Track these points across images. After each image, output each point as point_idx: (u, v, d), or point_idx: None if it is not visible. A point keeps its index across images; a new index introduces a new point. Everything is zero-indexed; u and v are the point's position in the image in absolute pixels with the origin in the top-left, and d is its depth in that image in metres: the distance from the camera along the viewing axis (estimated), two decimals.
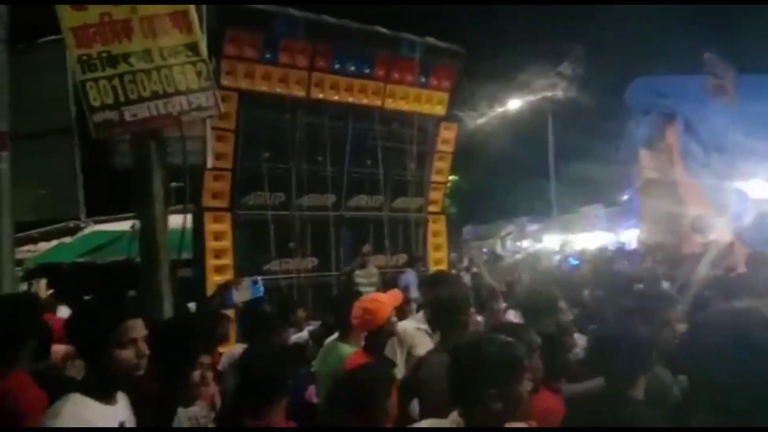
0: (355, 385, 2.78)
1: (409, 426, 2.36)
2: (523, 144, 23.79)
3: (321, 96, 7.46)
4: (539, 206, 24.89)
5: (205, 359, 2.91)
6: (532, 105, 20.65)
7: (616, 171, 14.49)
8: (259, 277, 4.02)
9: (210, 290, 6.61)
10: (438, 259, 8.80)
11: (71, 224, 12.14)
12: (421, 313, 3.93)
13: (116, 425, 2.07)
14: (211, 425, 2.77)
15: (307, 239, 7.62)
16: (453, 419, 2.03)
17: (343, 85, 7.64)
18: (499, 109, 20.39)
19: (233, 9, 6.64)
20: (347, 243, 8.04)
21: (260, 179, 7.17)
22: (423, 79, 8.27)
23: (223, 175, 6.90)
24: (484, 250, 23.67)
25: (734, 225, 7.97)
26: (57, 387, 2.32)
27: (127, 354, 2.10)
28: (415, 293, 7.04)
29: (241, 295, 3.77)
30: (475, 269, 13.63)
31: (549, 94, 19.29)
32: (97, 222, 12.46)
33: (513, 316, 4.47)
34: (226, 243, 6.89)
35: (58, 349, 3.42)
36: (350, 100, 7.71)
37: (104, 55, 3.22)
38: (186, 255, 6.77)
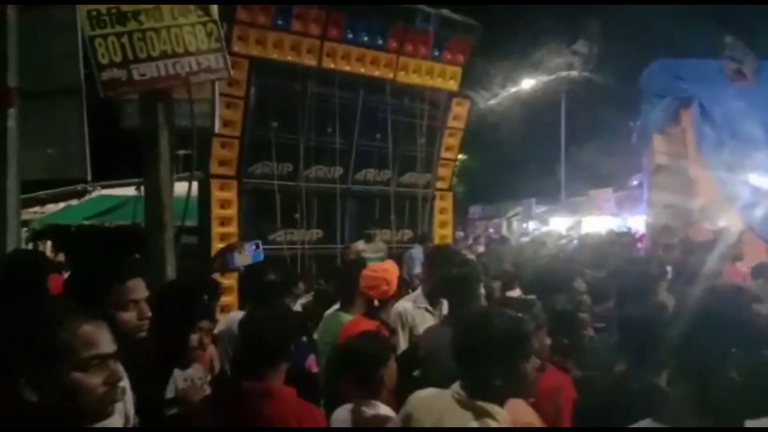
0: (351, 354, 2.78)
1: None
2: (534, 125, 23.56)
3: (332, 66, 7.37)
4: (548, 188, 24.74)
5: (205, 324, 2.91)
6: (545, 85, 20.41)
7: (627, 155, 14.35)
8: (259, 242, 3.99)
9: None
10: (443, 235, 8.76)
11: (79, 187, 12.17)
12: (418, 291, 3.88)
13: None
14: (206, 387, 2.76)
15: (313, 211, 7.59)
16: (454, 390, 2.00)
17: (355, 56, 7.53)
18: (512, 89, 20.16)
19: None
20: (353, 216, 8.02)
21: (268, 148, 7.12)
22: (436, 53, 8.15)
23: (231, 143, 6.84)
24: (491, 230, 23.66)
25: (746, 215, 7.88)
26: None
27: (129, 315, 2.05)
28: (418, 269, 7.04)
29: (243, 258, 3.76)
30: (480, 248, 13.63)
31: (563, 74, 19.03)
32: (104, 186, 12.49)
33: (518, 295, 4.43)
34: (232, 211, 6.86)
35: None
36: (362, 71, 7.61)
37: (114, 11, 3.16)
38: (190, 222, 6.81)
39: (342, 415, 2.60)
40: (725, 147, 8.47)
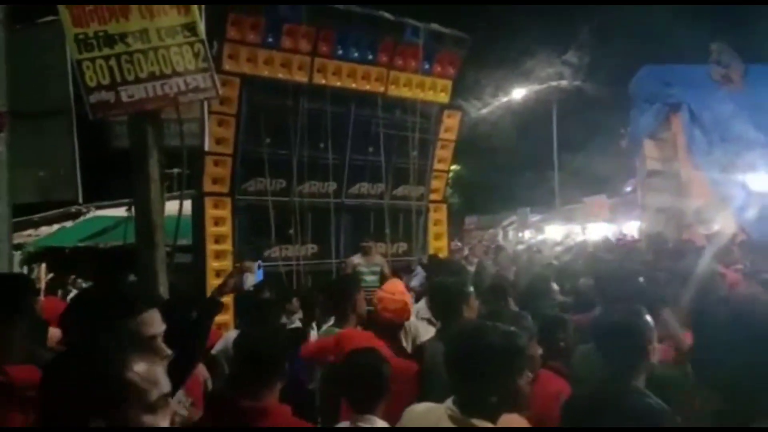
0: (349, 371, 2.78)
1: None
2: (527, 134, 23.70)
3: (323, 81, 7.40)
4: (542, 197, 24.81)
5: None
6: (536, 95, 20.55)
7: (619, 162, 14.44)
8: (260, 261, 3.99)
9: (209, 276, 6.63)
10: (438, 247, 8.77)
11: (73, 209, 12.18)
12: (421, 303, 3.91)
13: None
14: (192, 409, 2.73)
15: (307, 226, 7.58)
16: (447, 406, 1.99)
17: (346, 71, 7.57)
18: (504, 99, 20.29)
19: None
20: (348, 231, 8.02)
21: (261, 165, 7.13)
22: (426, 66, 8.20)
23: (224, 161, 6.86)
24: (485, 241, 23.66)
25: (738, 217, 7.92)
26: None
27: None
28: (415, 282, 7.05)
29: (251, 279, 3.75)
30: (476, 259, 13.63)
31: (554, 83, 19.17)
32: (98, 207, 12.49)
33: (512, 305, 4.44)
34: (226, 228, 6.86)
35: (54, 333, 3.39)
36: (353, 86, 7.65)
37: (101, 34, 3.17)
38: (184, 241, 6.80)
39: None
40: (715, 149, 8.55)
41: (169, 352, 1.84)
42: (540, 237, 20.40)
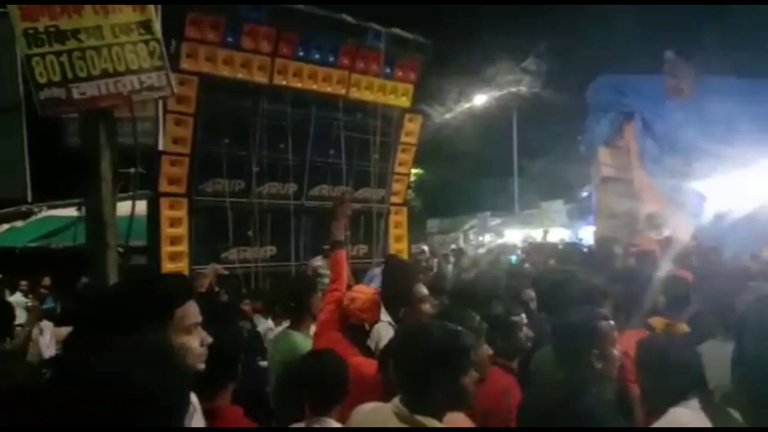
0: (306, 373, 2.78)
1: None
2: (488, 139, 24.01)
3: (284, 83, 7.37)
4: (502, 201, 25.20)
5: None
6: (497, 101, 20.84)
7: (577, 168, 14.76)
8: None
9: None
10: (398, 250, 8.80)
11: (23, 208, 11.77)
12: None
13: None
14: None
15: (266, 228, 7.53)
16: (394, 404, 2.00)
17: (307, 73, 7.55)
18: (465, 104, 20.51)
19: None
20: (307, 233, 7.99)
21: (219, 166, 7.05)
22: (388, 70, 8.24)
23: (181, 160, 6.75)
24: (452, 246, 23.87)
25: (690, 223, 8.18)
26: None
27: (195, 342, 1.78)
28: (376, 284, 7.06)
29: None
30: (435, 260, 13.73)
31: (514, 89, 19.48)
32: (50, 207, 12.11)
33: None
34: (182, 230, 6.76)
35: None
36: (314, 88, 7.63)
37: (52, 29, 3.10)
38: (140, 242, 6.67)
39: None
40: (666, 158, 8.83)
41: (210, 339, 1.86)
42: (499, 241, 20.68)
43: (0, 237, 12.12)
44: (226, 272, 3.96)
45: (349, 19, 7.75)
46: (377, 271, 7.74)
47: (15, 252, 11.13)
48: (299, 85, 7.49)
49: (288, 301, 3.88)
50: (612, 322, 2.59)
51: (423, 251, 16.37)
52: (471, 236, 25.66)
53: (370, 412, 2.11)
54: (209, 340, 1.86)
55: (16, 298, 9.38)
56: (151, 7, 3.27)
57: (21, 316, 7.72)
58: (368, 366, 3.04)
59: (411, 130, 8.81)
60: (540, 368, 2.91)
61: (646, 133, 9.17)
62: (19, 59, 3.71)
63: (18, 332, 4.29)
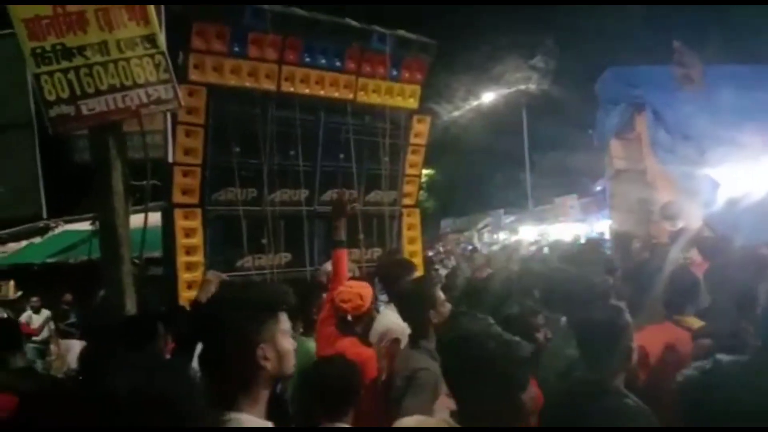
0: (319, 378, 2.78)
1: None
2: (499, 136, 23.93)
3: (291, 89, 7.39)
4: (515, 198, 25.11)
5: None
6: (506, 97, 20.79)
7: (589, 162, 14.66)
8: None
9: (181, 288, 6.55)
10: (412, 252, 8.79)
11: (41, 224, 11.95)
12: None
13: None
14: None
15: (280, 235, 7.55)
16: (444, 420, 1.89)
17: (314, 78, 7.57)
18: (474, 102, 20.48)
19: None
20: (321, 238, 8.00)
21: (231, 175, 7.08)
22: (395, 72, 8.23)
23: (193, 171, 6.79)
24: (463, 244, 23.80)
25: (704, 212, 8.09)
26: None
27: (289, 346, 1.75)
28: None
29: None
30: (452, 262, 13.71)
31: (523, 86, 19.41)
32: (67, 222, 12.27)
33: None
34: (197, 240, 6.79)
35: None
36: (321, 93, 7.64)
37: (59, 47, 3.14)
38: (155, 253, 6.73)
39: None
40: (679, 147, 8.75)
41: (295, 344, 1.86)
42: (514, 238, 20.59)
43: (18, 254, 12.30)
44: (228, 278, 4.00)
45: (353, 22, 7.77)
46: None
47: (33, 268, 11.29)
48: (307, 91, 7.51)
49: (297, 308, 3.90)
50: (629, 318, 2.58)
51: (439, 252, 16.36)
52: (485, 235, 25.60)
53: (415, 424, 1.96)
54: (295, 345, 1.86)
55: (29, 315, 9.52)
56: (155, 21, 3.30)
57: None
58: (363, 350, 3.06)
59: (420, 131, 8.80)
60: (551, 365, 2.89)
61: (657, 123, 9.08)
62: (28, 78, 3.76)
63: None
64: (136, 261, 3.95)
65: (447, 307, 3.50)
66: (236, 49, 6.92)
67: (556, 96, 19.49)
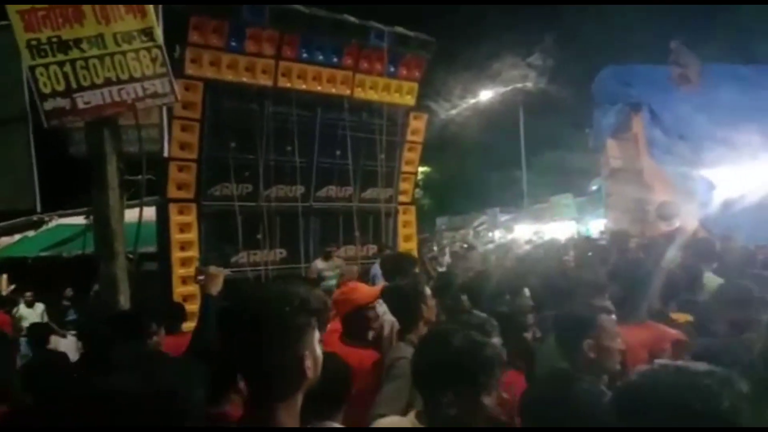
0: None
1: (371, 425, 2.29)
2: (495, 134, 23.96)
3: (288, 85, 7.37)
4: (511, 196, 25.13)
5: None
6: (503, 95, 20.78)
7: (585, 161, 14.69)
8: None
9: (176, 283, 6.53)
10: (408, 249, 8.78)
11: (34, 218, 11.88)
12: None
13: None
14: None
15: (275, 231, 7.53)
16: (410, 419, 1.87)
17: (311, 74, 7.54)
18: (471, 100, 20.47)
19: None
20: (316, 234, 7.99)
21: (227, 170, 7.06)
22: (392, 69, 8.22)
23: (188, 166, 6.77)
24: (458, 242, 23.82)
25: (700, 212, 8.11)
26: None
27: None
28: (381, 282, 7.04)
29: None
30: (446, 259, 13.69)
31: (520, 84, 19.42)
32: (61, 216, 12.21)
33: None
34: (192, 235, 6.77)
35: None
36: (318, 89, 7.63)
37: (54, 40, 3.11)
38: (150, 248, 6.70)
39: None
40: (675, 147, 8.77)
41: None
42: (509, 236, 20.61)
43: (12, 247, 12.24)
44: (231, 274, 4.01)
45: (351, 19, 7.74)
46: (377, 268, 7.75)
47: (27, 262, 11.24)
48: (304, 86, 7.49)
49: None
50: (612, 316, 2.57)
51: (432, 249, 16.33)
52: (481, 233, 25.62)
53: (388, 424, 2.00)
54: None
55: (20, 309, 9.46)
56: (152, 14, 3.27)
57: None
58: (367, 356, 3.05)
59: (417, 128, 8.79)
60: (542, 361, 2.90)
61: (654, 123, 9.10)
62: (23, 70, 3.72)
63: None
64: (130, 256, 3.93)
65: (433, 302, 3.51)
66: (233, 44, 6.89)
67: (553, 95, 19.52)
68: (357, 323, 3.29)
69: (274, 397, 1.54)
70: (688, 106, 8.66)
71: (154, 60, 3.20)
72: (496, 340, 2.46)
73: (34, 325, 6.93)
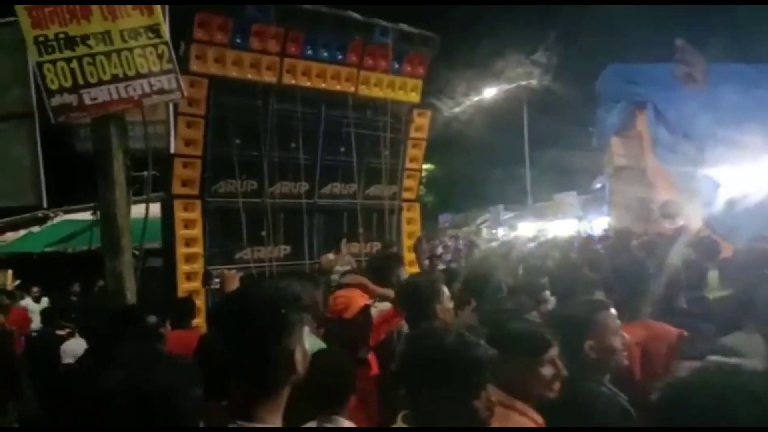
0: (315, 370, 2.80)
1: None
2: (499, 132, 23.92)
3: (293, 82, 7.37)
4: (514, 194, 25.10)
5: None
6: (507, 93, 20.75)
7: (589, 159, 14.66)
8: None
9: (180, 279, 6.56)
10: (412, 246, 8.79)
11: (40, 213, 11.91)
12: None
13: None
14: None
15: (279, 227, 7.55)
16: (398, 420, 1.81)
17: (316, 71, 7.55)
18: (475, 98, 20.44)
19: None
20: (320, 231, 8.00)
21: (231, 166, 7.07)
22: (396, 66, 8.22)
23: (193, 162, 6.78)
24: (462, 239, 23.82)
25: (704, 211, 8.10)
26: None
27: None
28: None
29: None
30: (449, 257, 13.71)
31: (524, 82, 19.38)
32: (66, 211, 12.25)
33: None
34: (197, 231, 6.79)
35: None
36: (323, 86, 7.63)
37: (62, 36, 3.13)
38: (155, 244, 6.72)
39: None
40: (679, 145, 8.75)
41: None
42: (512, 234, 20.62)
43: (17, 243, 12.29)
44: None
45: (356, 16, 7.74)
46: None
47: (32, 257, 11.28)
48: (308, 83, 7.50)
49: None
50: (613, 312, 2.55)
51: (435, 246, 16.33)
52: (484, 230, 25.61)
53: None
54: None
55: (27, 304, 9.51)
56: (159, 10, 3.29)
57: (35, 322, 7.86)
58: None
59: (421, 125, 8.79)
60: None
61: (658, 121, 9.08)
62: (30, 67, 3.74)
63: None
64: (136, 252, 3.95)
65: (451, 304, 3.48)
66: (238, 40, 6.89)
67: (557, 92, 19.47)
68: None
69: (260, 390, 1.56)
70: (692, 105, 8.65)
71: (160, 56, 3.21)
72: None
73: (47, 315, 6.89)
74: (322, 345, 3.47)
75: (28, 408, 4.91)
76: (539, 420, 1.99)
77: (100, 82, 3.14)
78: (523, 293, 3.72)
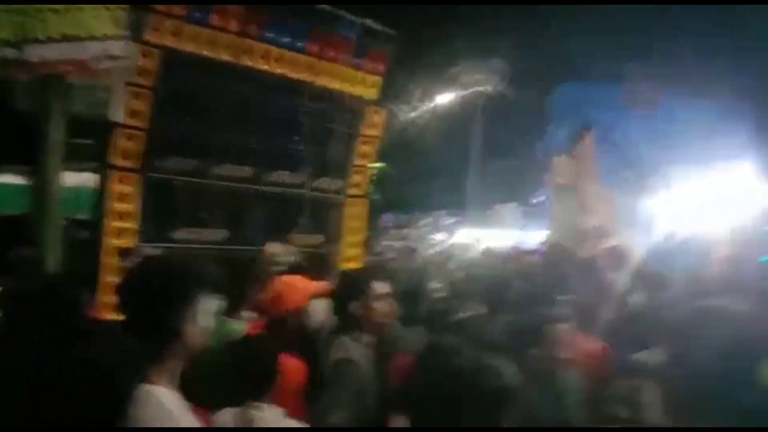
0: (242, 356, 2.78)
1: None
2: (452, 137, 24.13)
3: (250, 64, 7.20)
4: (457, 200, 25.45)
5: None
6: (461, 100, 21.01)
7: (533, 173, 15.03)
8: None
9: (107, 253, 6.21)
10: (355, 242, 8.76)
11: None
12: None
13: None
14: None
15: (220, 210, 7.36)
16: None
17: (274, 56, 7.40)
18: (430, 103, 20.60)
19: None
20: (262, 218, 7.86)
21: (176, 143, 6.83)
22: (357, 60, 8.18)
23: (136, 135, 6.48)
24: (404, 241, 23.96)
25: (639, 238, 8.38)
26: None
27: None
28: None
29: None
30: (390, 255, 13.74)
31: (478, 89, 19.68)
32: None
33: None
34: (132, 206, 6.50)
35: None
36: (279, 71, 7.49)
37: None
38: (86, 215, 6.41)
39: (224, 417, 2.58)
40: (622, 170, 9.07)
41: None
42: (450, 241, 20.91)
43: None
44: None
45: (323, 5, 7.64)
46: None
47: None
48: (266, 67, 7.34)
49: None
50: (562, 325, 2.63)
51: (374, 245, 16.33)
52: (424, 234, 25.84)
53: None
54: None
55: None
56: None
57: None
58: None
59: (375, 122, 8.78)
60: None
61: (604, 144, 9.38)
62: None
63: None
64: (64, 221, 3.75)
65: (386, 303, 3.45)
66: (198, 15, 6.66)
67: (512, 103, 19.83)
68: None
69: (151, 356, 1.72)
70: (639, 130, 8.97)
71: (115, 21, 3.06)
72: None
73: None
74: (241, 331, 3.42)
75: None
76: None
77: (48, 39, 2.96)
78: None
